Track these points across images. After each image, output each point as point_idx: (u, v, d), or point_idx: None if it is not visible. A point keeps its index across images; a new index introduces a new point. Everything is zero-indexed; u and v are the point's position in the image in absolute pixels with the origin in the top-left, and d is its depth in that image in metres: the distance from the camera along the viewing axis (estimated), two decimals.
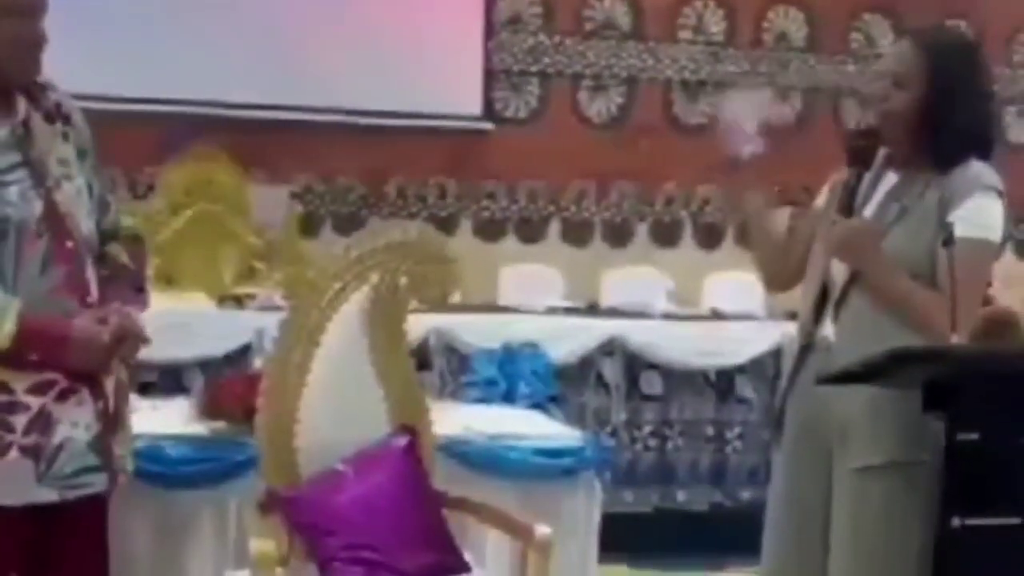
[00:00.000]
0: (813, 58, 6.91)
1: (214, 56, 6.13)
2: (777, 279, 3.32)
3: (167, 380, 5.04)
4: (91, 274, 2.84)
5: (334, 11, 6.26)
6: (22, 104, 2.80)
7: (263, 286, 5.71)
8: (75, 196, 2.84)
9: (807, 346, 3.06)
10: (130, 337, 2.82)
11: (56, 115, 2.88)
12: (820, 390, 2.93)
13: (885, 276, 2.91)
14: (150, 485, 3.49)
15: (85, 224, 2.84)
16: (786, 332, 5.48)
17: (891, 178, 3.03)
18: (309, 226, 6.44)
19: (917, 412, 2.78)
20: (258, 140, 6.20)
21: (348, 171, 6.53)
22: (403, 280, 3.34)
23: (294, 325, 3.33)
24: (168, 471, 3.61)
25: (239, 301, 5.59)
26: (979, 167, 2.96)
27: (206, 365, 5.16)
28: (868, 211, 3.01)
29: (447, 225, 6.53)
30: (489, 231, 6.73)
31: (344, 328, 3.34)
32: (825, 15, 6.93)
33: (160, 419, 3.79)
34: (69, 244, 2.78)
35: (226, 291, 5.70)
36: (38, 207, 2.74)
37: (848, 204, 2.97)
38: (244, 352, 5.22)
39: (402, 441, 3.35)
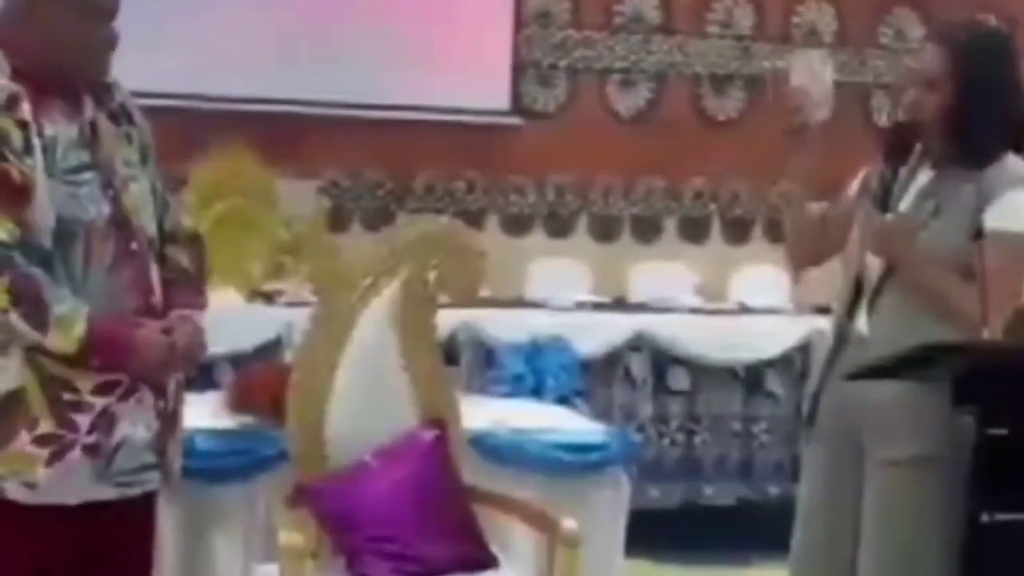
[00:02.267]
0: (843, 52, 6.87)
1: (243, 52, 6.14)
2: (805, 263, 3.32)
3: (196, 375, 5.04)
4: (155, 275, 2.85)
5: (362, 5, 6.27)
6: (89, 104, 2.80)
7: (291, 281, 5.72)
8: (140, 198, 2.85)
9: (841, 340, 3.06)
10: (193, 348, 2.85)
11: (121, 116, 2.88)
12: (852, 385, 2.92)
13: (920, 271, 2.91)
14: (180, 478, 3.50)
15: (149, 225, 2.86)
16: (814, 327, 5.48)
17: (926, 174, 3.02)
18: (337, 220, 6.44)
19: (948, 406, 2.77)
20: (286, 135, 6.21)
21: (376, 165, 6.54)
22: (432, 274, 3.35)
23: (324, 319, 3.36)
24: (197, 464, 3.61)
25: (268, 296, 5.61)
26: (1014, 162, 2.95)
27: (235, 360, 5.18)
28: (903, 206, 3.00)
29: (475, 220, 6.52)
30: (517, 226, 6.72)
31: (374, 322, 3.36)
32: (854, 9, 6.89)
33: (190, 413, 3.76)
34: (134, 246, 2.79)
35: (255, 286, 5.71)
36: (106, 208, 2.75)
37: (884, 199, 2.97)
38: (273, 346, 5.24)
39: (430, 435, 3.37)
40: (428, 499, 3.28)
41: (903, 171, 3.02)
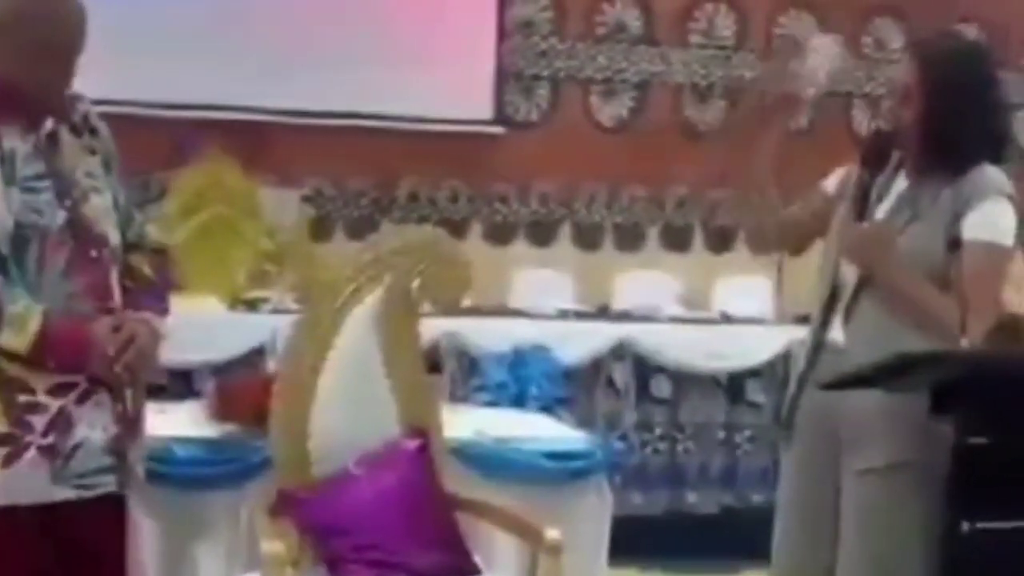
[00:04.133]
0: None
1: (225, 59, 6.13)
2: (775, 246, 3.34)
3: (177, 383, 5.05)
4: (115, 282, 2.88)
5: (346, 15, 6.27)
6: (49, 118, 2.85)
7: (275, 289, 5.72)
8: (102, 208, 2.88)
9: (817, 347, 3.08)
10: (146, 346, 2.85)
11: (83, 128, 2.93)
12: (828, 393, 2.94)
13: (897, 279, 2.92)
14: (161, 487, 3.50)
15: (111, 234, 2.89)
16: (796, 336, 5.49)
17: (904, 181, 3.05)
18: (320, 229, 6.44)
19: (924, 414, 2.79)
20: (269, 143, 6.21)
21: (359, 174, 6.53)
22: (415, 283, 3.36)
23: (307, 327, 3.36)
24: (179, 473, 3.63)
25: (251, 304, 5.61)
26: (991, 172, 2.97)
27: (217, 368, 5.18)
28: (880, 213, 3.02)
29: (458, 228, 6.52)
30: (500, 234, 6.72)
31: (357, 330, 3.36)
32: (836, 19, 6.88)
33: (171, 422, 3.81)
34: (93, 253, 2.83)
35: (238, 294, 5.71)
36: (61, 216, 2.78)
37: (861, 206, 2.98)
38: (256, 355, 5.24)
39: (413, 443, 3.37)
40: (411, 507, 3.28)
41: (881, 179, 3.04)
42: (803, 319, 5.85)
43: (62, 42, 2.81)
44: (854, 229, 2.97)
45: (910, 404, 2.84)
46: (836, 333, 3.03)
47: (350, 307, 3.35)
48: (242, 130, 6.15)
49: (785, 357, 5.59)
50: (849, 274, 3.01)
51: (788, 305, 6.02)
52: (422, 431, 3.40)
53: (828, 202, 3.16)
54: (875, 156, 3.04)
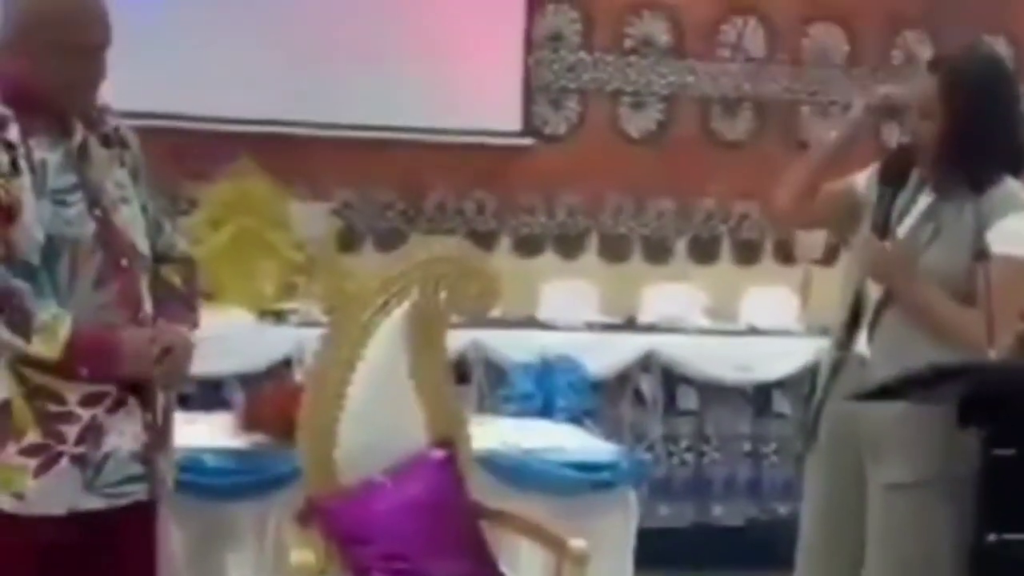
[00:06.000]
0: (854, 74, 6.89)
1: (255, 73, 6.16)
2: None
3: (207, 394, 5.08)
4: (145, 292, 2.90)
5: (376, 27, 6.29)
6: (79, 128, 2.87)
7: (303, 301, 5.75)
8: (132, 218, 2.90)
9: (840, 360, 3.08)
10: (178, 355, 2.87)
11: (114, 140, 2.95)
12: (853, 406, 2.94)
13: (920, 296, 2.92)
14: (191, 496, 3.53)
15: (141, 245, 2.91)
16: (823, 348, 5.47)
17: (925, 198, 3.05)
18: (349, 241, 6.47)
19: (950, 427, 2.79)
20: (298, 156, 6.24)
21: (387, 187, 6.56)
22: (443, 295, 3.37)
23: (336, 339, 3.38)
24: (209, 482, 3.66)
25: (278, 316, 5.64)
26: (1014, 186, 2.98)
27: (245, 379, 5.21)
28: (903, 230, 3.02)
29: (486, 240, 6.55)
30: (527, 246, 6.73)
31: (385, 342, 3.38)
32: (865, 31, 6.91)
33: (201, 432, 3.83)
34: (123, 262, 2.84)
35: (266, 306, 5.74)
36: (91, 227, 2.80)
37: (884, 222, 2.98)
38: (284, 366, 5.27)
39: (440, 453, 3.39)
40: (438, 517, 3.30)
41: (903, 195, 3.04)
42: (830, 331, 5.89)
43: (88, 43, 2.81)
44: (877, 248, 2.97)
45: (934, 416, 2.84)
46: (860, 347, 3.03)
47: (378, 319, 3.37)
48: (272, 143, 6.18)
49: (812, 369, 5.58)
50: (873, 288, 3.02)
51: (814, 317, 6.01)
52: (449, 441, 3.42)
53: (853, 197, 3.14)
54: (896, 173, 3.04)
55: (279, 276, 6.00)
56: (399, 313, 3.38)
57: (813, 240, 6.25)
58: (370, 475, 3.32)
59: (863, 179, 3.19)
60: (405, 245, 6.51)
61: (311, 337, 5.10)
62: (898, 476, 2.92)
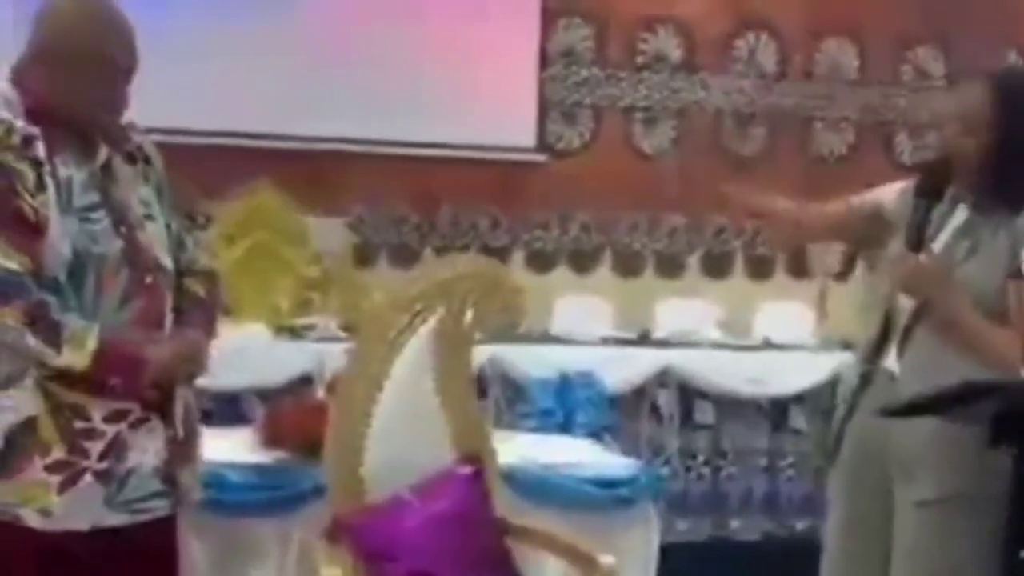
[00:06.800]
0: (865, 90, 6.92)
1: (271, 88, 6.18)
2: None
3: (224, 409, 5.09)
4: (168, 309, 2.94)
5: (390, 42, 6.32)
6: (104, 147, 2.89)
7: (320, 316, 5.77)
8: (156, 235, 2.94)
9: (867, 376, 3.08)
10: (193, 356, 2.91)
11: (137, 157, 2.98)
12: (881, 421, 2.94)
13: (955, 313, 2.90)
14: (213, 513, 3.54)
15: (166, 261, 2.94)
16: (840, 362, 5.50)
17: (961, 213, 3.03)
18: (363, 256, 6.49)
19: (980, 445, 2.78)
20: (313, 171, 6.25)
21: (401, 202, 6.57)
22: (469, 311, 3.39)
23: (363, 356, 3.39)
24: (231, 499, 3.67)
25: (296, 332, 5.66)
26: None
27: (263, 395, 5.22)
28: (937, 245, 3.01)
29: (499, 256, 6.53)
30: (541, 262, 6.75)
31: (411, 358, 3.39)
32: (877, 47, 6.94)
33: (223, 448, 3.84)
34: (148, 280, 2.88)
35: (283, 321, 5.76)
36: (117, 244, 2.83)
37: (917, 238, 2.97)
38: (302, 382, 5.28)
39: (467, 470, 3.40)
40: (464, 534, 3.31)
41: (937, 210, 3.03)
42: (847, 346, 5.91)
43: (114, 64, 2.84)
44: (911, 262, 2.95)
45: (965, 433, 2.83)
46: (889, 363, 3.03)
47: (404, 336, 3.38)
48: (286, 158, 6.20)
49: (830, 384, 5.60)
50: (904, 304, 3.00)
51: (831, 331, 6.02)
52: (475, 457, 3.43)
53: (879, 213, 3.15)
54: (933, 187, 3.02)
55: (294, 291, 6.01)
56: (425, 331, 3.39)
57: (829, 254, 6.27)
58: (397, 492, 3.32)
59: (891, 195, 3.18)
60: (420, 261, 6.54)
61: (331, 352, 5.16)
62: (928, 493, 2.92)
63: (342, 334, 5.53)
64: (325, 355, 5.31)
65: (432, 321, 3.39)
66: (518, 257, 6.71)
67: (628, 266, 6.83)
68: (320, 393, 4.90)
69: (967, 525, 2.91)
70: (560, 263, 6.78)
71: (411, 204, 6.59)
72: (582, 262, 6.80)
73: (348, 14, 6.31)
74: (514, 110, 6.60)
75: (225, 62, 6.08)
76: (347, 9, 6.32)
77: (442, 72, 6.32)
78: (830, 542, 3.17)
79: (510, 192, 6.66)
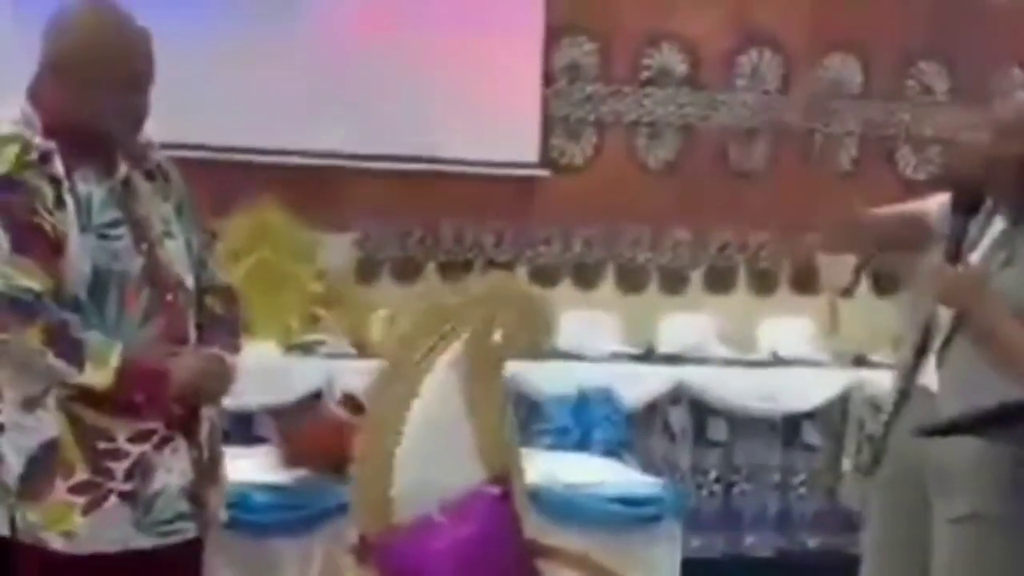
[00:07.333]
0: (869, 104, 6.94)
1: (272, 104, 6.16)
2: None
3: (238, 428, 5.06)
4: (190, 326, 2.92)
5: (393, 58, 6.31)
6: (123, 163, 2.87)
7: (329, 333, 5.75)
8: (177, 252, 2.92)
9: (905, 392, 3.07)
10: (218, 372, 2.90)
11: (156, 174, 2.96)
12: (919, 438, 2.94)
13: (991, 320, 2.88)
14: (236, 533, 3.51)
15: (187, 279, 2.92)
16: (853, 378, 5.51)
17: (998, 225, 3.03)
18: (367, 271, 6.48)
19: (1018, 464, 2.79)
20: (317, 187, 6.24)
21: (405, 217, 6.56)
22: (498, 331, 3.37)
23: (392, 377, 3.37)
24: (253, 519, 3.65)
25: (306, 348, 5.64)
26: None
27: (276, 412, 5.19)
28: (975, 257, 3.00)
29: (503, 270, 6.55)
30: (544, 277, 6.73)
31: (440, 378, 3.37)
32: (880, 62, 6.96)
33: (243, 467, 3.81)
34: (169, 297, 2.86)
35: (293, 338, 5.74)
36: (139, 262, 2.82)
37: (955, 250, 2.95)
38: (313, 399, 5.26)
39: (496, 490, 3.38)
40: (493, 555, 3.29)
41: (975, 221, 3.01)
42: (859, 361, 5.91)
43: (133, 77, 2.82)
44: (948, 273, 2.94)
45: (1001, 452, 2.84)
46: (927, 377, 3.02)
47: (434, 356, 3.37)
48: (291, 173, 6.19)
49: (843, 400, 5.60)
50: (943, 318, 2.99)
51: (845, 347, 6.03)
52: (504, 478, 3.41)
53: (926, 223, 3.15)
54: (968, 199, 3.01)
55: (300, 308, 6.00)
56: (455, 350, 3.38)
57: (839, 269, 6.28)
58: (425, 512, 3.31)
59: (935, 207, 3.18)
60: (422, 275, 6.53)
61: (341, 369, 5.15)
62: (964, 510, 2.92)
63: (352, 350, 5.51)
64: (335, 372, 5.30)
65: (461, 340, 3.38)
66: (522, 272, 6.69)
67: (632, 281, 6.83)
68: (333, 410, 4.89)
69: (1003, 544, 2.91)
70: (564, 278, 6.77)
71: (415, 219, 6.58)
72: (586, 277, 6.80)
73: (352, 30, 6.30)
74: (518, 125, 6.60)
75: (231, 78, 6.06)
76: (351, 25, 6.31)
77: (446, 88, 6.32)
78: (868, 559, 3.17)
79: (514, 207, 6.66)
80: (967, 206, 3.00)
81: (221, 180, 6.05)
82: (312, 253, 6.16)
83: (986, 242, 3.03)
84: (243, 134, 6.16)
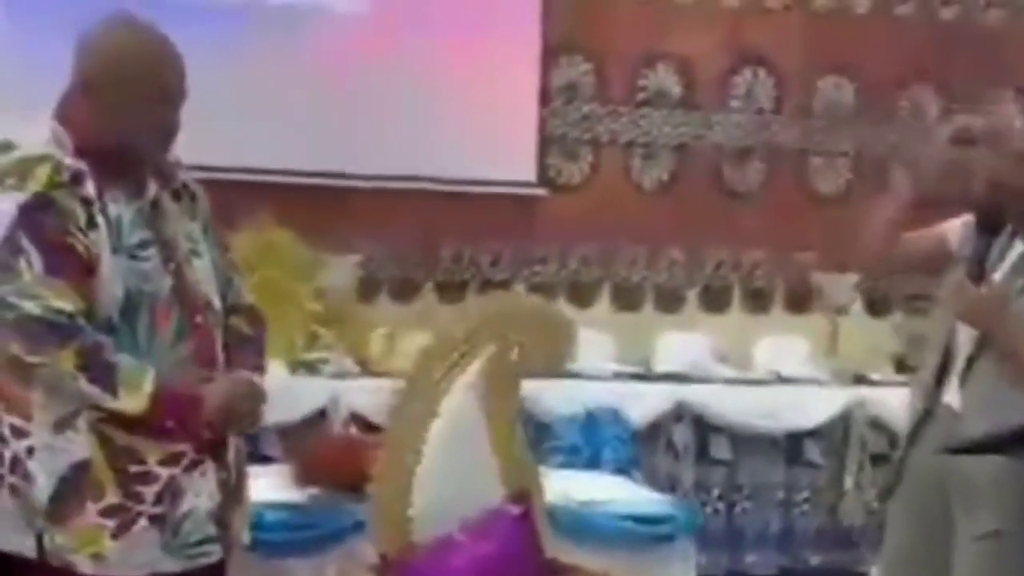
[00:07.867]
0: (861, 125, 7.00)
1: (273, 125, 6.17)
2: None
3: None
4: (219, 347, 2.91)
5: (392, 80, 6.33)
6: (152, 183, 2.86)
7: (332, 352, 5.75)
8: (204, 272, 2.91)
9: (928, 411, 3.09)
10: (250, 395, 2.90)
11: (183, 193, 2.95)
12: (942, 456, 2.96)
13: (1016, 341, 2.91)
14: (253, 552, 3.50)
15: (214, 299, 2.92)
16: (855, 396, 5.53)
17: (1018, 248, 3.06)
18: (366, 291, 6.48)
19: None
20: (316, 206, 6.25)
21: (403, 236, 6.58)
22: (517, 349, 3.38)
23: (411, 396, 3.37)
24: (268, 538, 3.64)
25: (311, 367, 5.63)
26: None
27: (282, 431, 5.18)
28: (998, 277, 3.02)
29: (500, 289, 6.56)
30: (541, 295, 6.74)
31: (459, 397, 3.38)
32: (873, 84, 7.01)
33: (258, 486, 3.80)
34: (199, 319, 2.85)
35: (297, 356, 5.73)
36: (167, 282, 2.80)
37: (978, 269, 2.98)
38: (319, 417, 5.26)
39: (516, 509, 3.38)
40: (515, 573, 3.30)
41: (997, 242, 3.05)
42: (859, 379, 5.94)
43: (165, 93, 2.80)
44: (971, 292, 2.96)
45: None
46: (949, 396, 3.04)
47: (454, 375, 3.37)
48: (291, 193, 6.19)
49: (844, 418, 5.63)
50: (965, 338, 3.02)
51: (845, 366, 6.06)
52: (524, 496, 3.42)
53: (946, 247, 3.16)
54: (990, 220, 3.04)
55: (302, 327, 6.00)
56: (474, 369, 3.38)
57: (838, 287, 6.32)
58: (445, 531, 3.31)
59: (956, 230, 3.20)
60: (420, 294, 6.54)
61: (346, 388, 5.16)
62: (986, 527, 2.94)
63: (355, 368, 5.52)
64: (340, 390, 5.31)
65: (482, 359, 3.38)
66: (518, 291, 6.71)
67: (628, 300, 6.86)
68: (339, 428, 4.90)
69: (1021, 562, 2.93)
70: (560, 297, 6.78)
71: (413, 238, 6.59)
72: (582, 296, 6.82)
73: (353, 52, 6.32)
74: (515, 145, 6.63)
75: (233, 99, 6.05)
76: (352, 47, 6.33)
77: (444, 107, 6.34)
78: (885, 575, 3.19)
79: (511, 226, 6.68)
80: (990, 228, 3.03)
81: (224, 199, 6.03)
82: (313, 272, 6.16)
83: (1007, 265, 3.05)
84: (245, 154, 6.15)
